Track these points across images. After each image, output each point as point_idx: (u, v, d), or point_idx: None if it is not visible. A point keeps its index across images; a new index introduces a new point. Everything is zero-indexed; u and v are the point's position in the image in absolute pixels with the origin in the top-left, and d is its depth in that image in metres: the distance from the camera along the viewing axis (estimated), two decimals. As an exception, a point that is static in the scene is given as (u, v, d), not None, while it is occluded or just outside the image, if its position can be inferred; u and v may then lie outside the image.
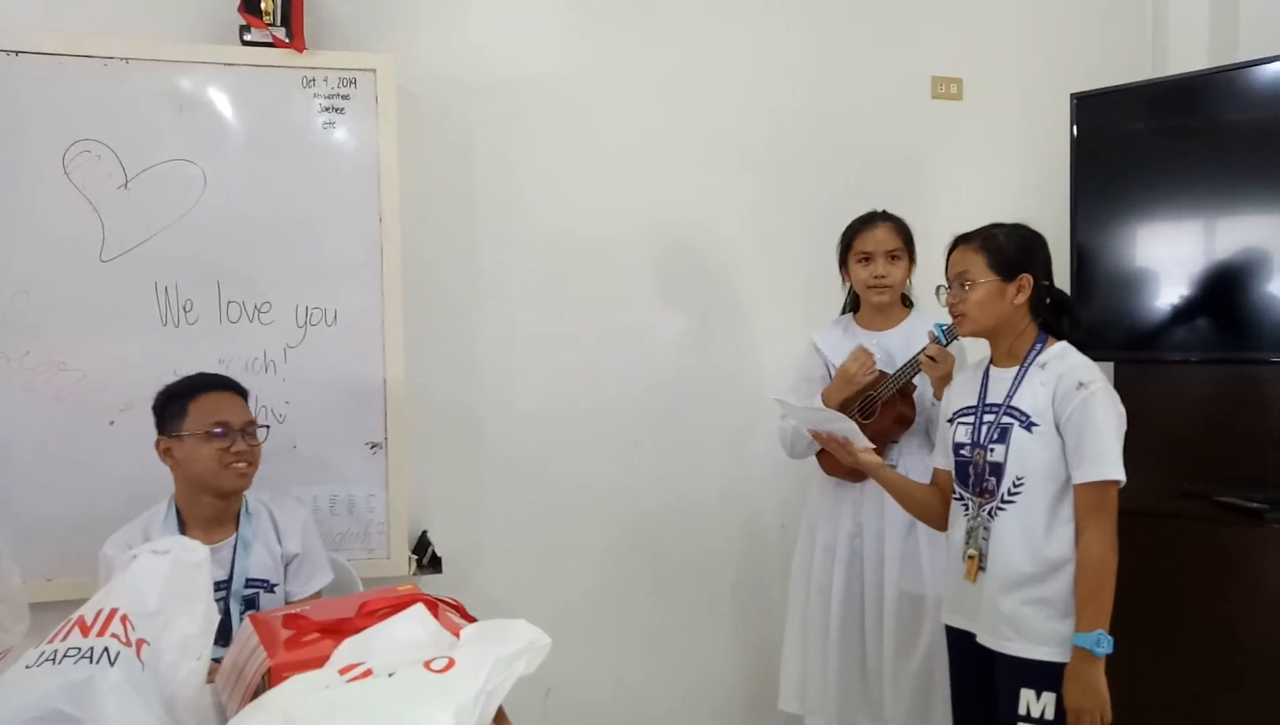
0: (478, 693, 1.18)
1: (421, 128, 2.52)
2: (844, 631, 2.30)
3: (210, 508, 1.94)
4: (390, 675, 1.19)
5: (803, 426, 2.20)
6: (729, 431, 2.88)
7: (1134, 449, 2.71)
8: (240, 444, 1.92)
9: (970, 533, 1.89)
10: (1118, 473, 1.76)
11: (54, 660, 1.06)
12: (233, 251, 2.30)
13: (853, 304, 2.44)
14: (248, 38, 2.31)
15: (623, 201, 2.75)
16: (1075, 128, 2.74)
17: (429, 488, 2.58)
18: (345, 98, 2.34)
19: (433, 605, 1.44)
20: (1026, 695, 1.77)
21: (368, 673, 1.20)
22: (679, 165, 2.79)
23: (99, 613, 1.11)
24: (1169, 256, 2.64)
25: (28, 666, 1.07)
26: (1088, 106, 2.73)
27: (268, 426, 2.08)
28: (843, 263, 2.37)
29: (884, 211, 2.35)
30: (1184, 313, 2.62)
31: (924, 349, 2.13)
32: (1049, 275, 1.94)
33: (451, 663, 1.21)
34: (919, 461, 2.26)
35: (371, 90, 2.36)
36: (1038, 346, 1.89)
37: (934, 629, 2.19)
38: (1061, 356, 1.86)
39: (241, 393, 2.01)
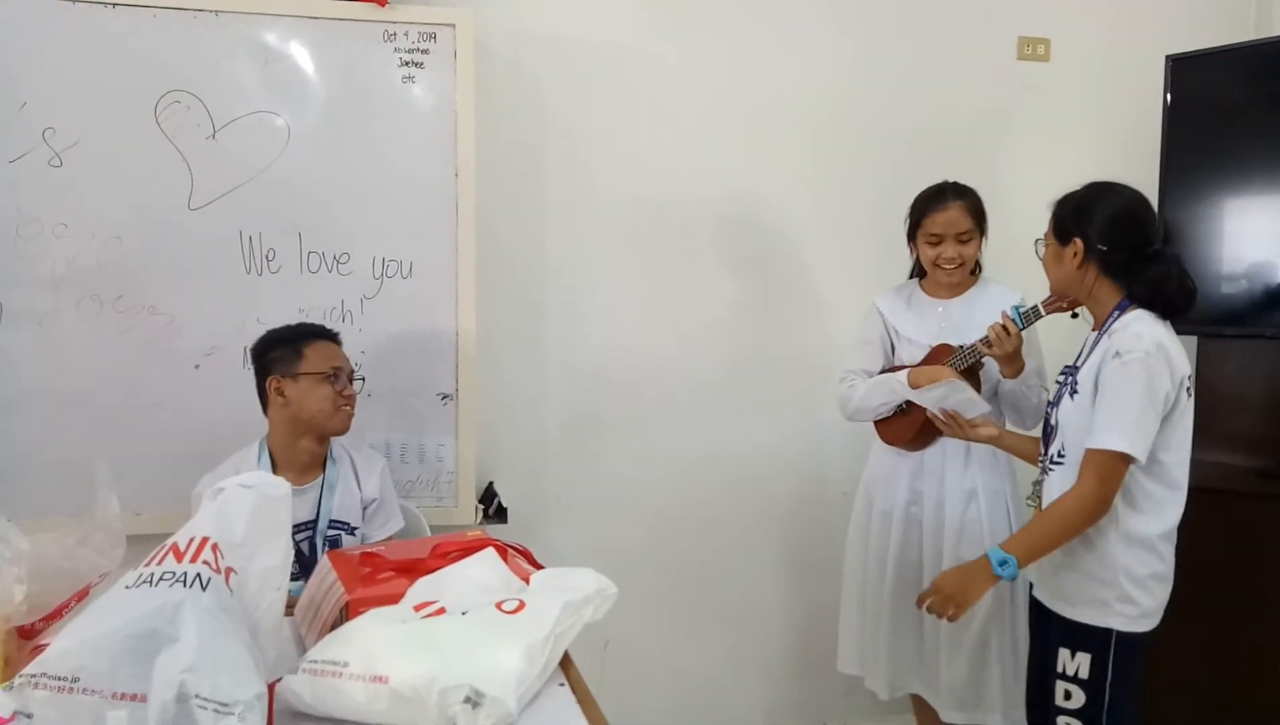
0: (547, 635, 1.22)
1: (495, 84, 2.53)
2: (898, 598, 2.29)
3: (305, 452, 2.02)
4: (463, 614, 1.23)
5: (933, 407, 2.13)
6: (793, 397, 2.86)
7: (1212, 425, 2.66)
8: (350, 388, 2.04)
9: (1034, 487, 1.95)
10: (1114, 442, 1.69)
11: (150, 583, 1.12)
12: (314, 203, 2.36)
13: (919, 269, 2.39)
14: (331, -9, 2.35)
15: (692, 168, 2.73)
16: (1169, 93, 2.63)
17: (497, 440, 2.63)
18: (425, 52, 2.37)
19: (502, 550, 1.48)
20: (1063, 654, 1.81)
21: (441, 610, 1.25)
22: (750, 132, 2.76)
23: (191, 540, 1.16)
24: (1262, 231, 2.54)
25: (127, 587, 1.13)
26: (1183, 70, 2.61)
27: (363, 378, 2.16)
28: (911, 238, 2.32)
29: (954, 186, 2.24)
30: (1273, 289, 2.52)
31: (986, 335, 2.07)
32: (1114, 239, 1.79)
33: (522, 605, 1.25)
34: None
35: (450, 45, 2.38)
36: (1115, 313, 1.82)
37: (992, 598, 2.17)
38: (1126, 325, 1.77)
39: (340, 343, 2.10)
